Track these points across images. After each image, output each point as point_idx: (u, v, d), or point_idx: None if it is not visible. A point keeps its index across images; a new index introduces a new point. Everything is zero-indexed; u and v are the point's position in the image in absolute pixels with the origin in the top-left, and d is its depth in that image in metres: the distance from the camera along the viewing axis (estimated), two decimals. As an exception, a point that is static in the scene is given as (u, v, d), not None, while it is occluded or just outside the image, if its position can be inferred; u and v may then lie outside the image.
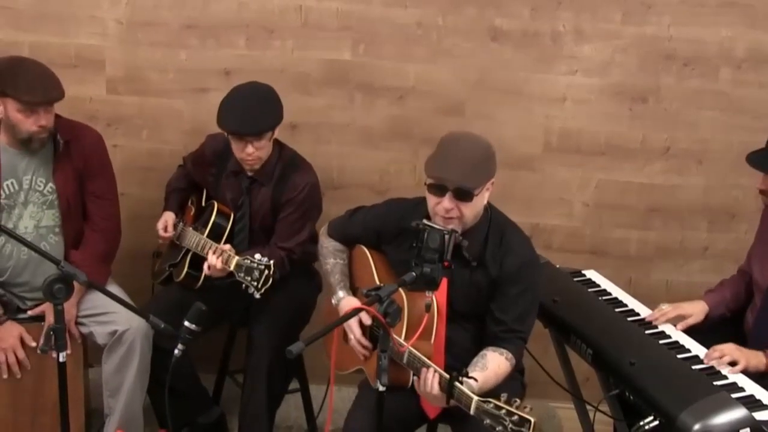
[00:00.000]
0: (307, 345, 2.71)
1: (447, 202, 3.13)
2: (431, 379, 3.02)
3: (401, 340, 3.12)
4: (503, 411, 2.74)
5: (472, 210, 3.18)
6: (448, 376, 2.96)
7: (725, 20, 4.15)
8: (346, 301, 3.43)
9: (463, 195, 3.13)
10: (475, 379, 2.99)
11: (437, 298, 3.17)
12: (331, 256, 3.57)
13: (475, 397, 2.85)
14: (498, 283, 3.26)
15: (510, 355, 3.21)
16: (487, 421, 2.78)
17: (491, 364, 3.16)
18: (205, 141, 4.05)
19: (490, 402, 2.79)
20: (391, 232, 3.41)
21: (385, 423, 2.96)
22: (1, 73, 3.58)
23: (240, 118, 3.73)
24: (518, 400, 2.76)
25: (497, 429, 2.74)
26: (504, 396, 2.79)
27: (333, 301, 3.49)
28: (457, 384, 2.93)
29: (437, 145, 3.23)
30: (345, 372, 3.48)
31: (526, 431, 2.69)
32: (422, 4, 4.19)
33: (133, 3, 4.21)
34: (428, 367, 3.04)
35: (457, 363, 3.13)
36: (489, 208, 3.31)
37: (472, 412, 2.86)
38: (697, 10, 4.15)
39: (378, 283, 3.34)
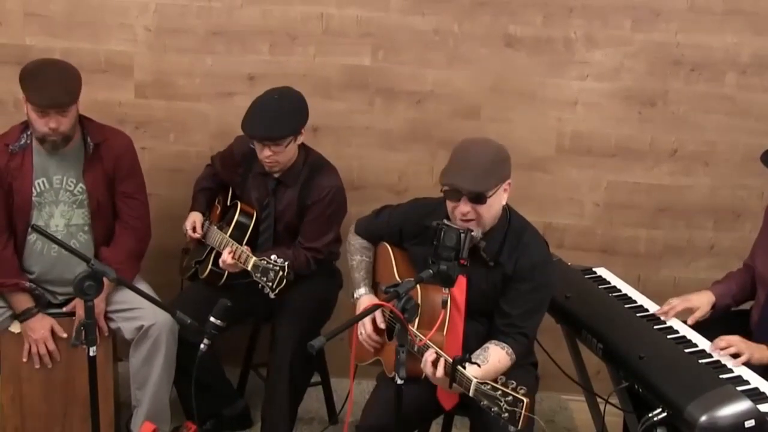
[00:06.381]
0: (328, 340, 2.77)
1: (463, 206, 3.19)
2: (431, 361, 3.08)
3: (418, 333, 3.17)
4: (499, 392, 2.82)
5: (489, 211, 3.23)
6: (451, 360, 3.01)
7: (731, 27, 4.18)
8: (366, 299, 3.50)
9: (477, 198, 3.18)
10: (478, 365, 3.03)
11: (456, 294, 3.24)
12: (357, 253, 3.64)
13: (474, 380, 2.91)
14: (511, 279, 3.30)
15: (510, 350, 3.26)
16: (484, 402, 2.85)
17: (492, 358, 3.21)
18: (234, 142, 4.08)
19: (487, 384, 2.87)
20: (413, 229, 3.47)
21: (402, 414, 3.00)
22: (24, 76, 3.63)
23: (258, 123, 3.77)
24: (514, 382, 2.83)
25: (493, 409, 2.82)
26: (501, 378, 2.86)
27: (354, 296, 3.54)
28: (459, 368, 2.97)
29: (451, 153, 3.28)
30: (365, 363, 3.53)
31: (519, 410, 2.76)
32: (439, 12, 4.22)
33: (161, 10, 4.26)
34: (436, 353, 3.10)
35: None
36: (508, 211, 3.35)
37: (471, 393, 2.92)
38: (703, 18, 4.18)
39: (398, 278, 3.39)
